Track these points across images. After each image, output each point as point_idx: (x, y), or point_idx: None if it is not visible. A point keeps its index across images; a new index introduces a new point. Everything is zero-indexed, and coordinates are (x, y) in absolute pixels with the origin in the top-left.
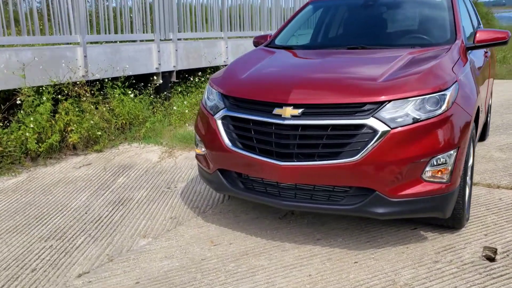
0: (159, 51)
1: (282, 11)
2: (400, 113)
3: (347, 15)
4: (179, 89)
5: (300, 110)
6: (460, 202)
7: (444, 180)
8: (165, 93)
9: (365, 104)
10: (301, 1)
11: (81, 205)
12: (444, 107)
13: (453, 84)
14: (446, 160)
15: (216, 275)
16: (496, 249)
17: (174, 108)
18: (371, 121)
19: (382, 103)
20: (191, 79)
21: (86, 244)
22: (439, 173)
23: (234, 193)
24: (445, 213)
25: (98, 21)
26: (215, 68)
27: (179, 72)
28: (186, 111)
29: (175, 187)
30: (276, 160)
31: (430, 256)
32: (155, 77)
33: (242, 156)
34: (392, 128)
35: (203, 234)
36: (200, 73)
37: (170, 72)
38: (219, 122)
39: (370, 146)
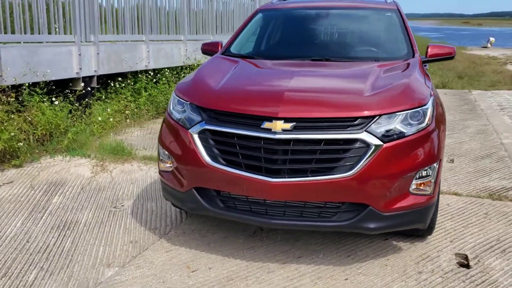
0: (80, 54)
1: (213, 15)
2: (390, 127)
3: (301, 26)
4: (100, 96)
5: (291, 124)
6: (434, 211)
7: (428, 192)
8: (87, 100)
9: (357, 118)
10: (239, 6)
11: (17, 232)
12: (426, 120)
13: (430, 98)
14: (429, 173)
15: None
16: (466, 255)
17: (99, 118)
18: (365, 135)
19: (373, 117)
20: (112, 84)
21: (41, 279)
22: (423, 185)
23: (213, 213)
24: (426, 224)
25: (13, 19)
26: (135, 74)
27: (98, 78)
28: (111, 119)
29: (122, 205)
30: (266, 177)
31: (412, 267)
32: (75, 83)
33: (224, 172)
34: (384, 143)
35: (175, 259)
36: (120, 78)
37: (91, 77)
38: (196, 137)
39: (364, 160)
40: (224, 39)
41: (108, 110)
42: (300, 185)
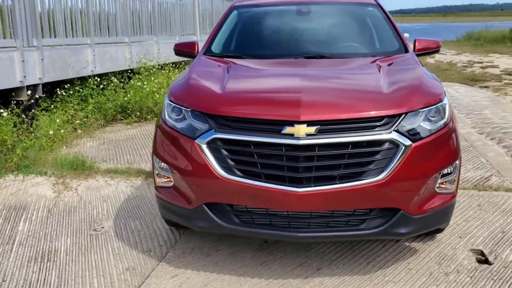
0: (23, 61)
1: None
2: (415, 125)
3: (284, 22)
4: (46, 106)
5: (315, 128)
6: None
7: (452, 191)
8: (33, 111)
9: (384, 117)
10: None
11: None
12: (447, 116)
13: (445, 93)
14: (451, 170)
15: None
16: (481, 250)
17: (50, 132)
18: (395, 135)
19: (400, 116)
20: (58, 92)
21: None
22: (447, 184)
23: (229, 230)
24: (448, 223)
25: None
26: (82, 80)
27: (43, 86)
28: (62, 131)
29: (102, 227)
30: (291, 187)
31: (436, 269)
32: (19, 92)
33: (241, 185)
34: (413, 142)
35: (186, 285)
36: (67, 85)
37: (36, 86)
38: (205, 147)
39: (394, 162)
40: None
41: (58, 121)
42: (329, 193)
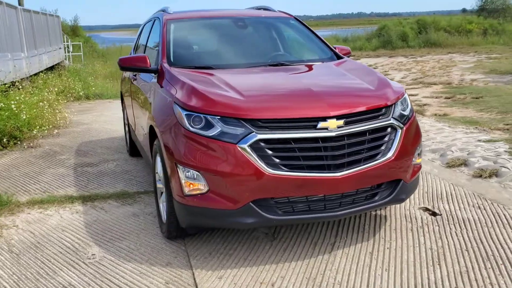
0: None
1: None
2: (399, 113)
3: (229, 35)
4: None
5: (342, 121)
6: None
7: (420, 163)
8: None
9: (383, 108)
10: None
11: None
12: (409, 105)
13: None
14: (420, 147)
15: None
16: (426, 207)
17: None
18: (393, 121)
19: (391, 106)
20: None
21: None
22: (418, 157)
23: (275, 222)
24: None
25: None
26: None
27: None
28: None
29: (93, 255)
30: (332, 173)
31: (409, 225)
32: None
33: (287, 178)
34: (404, 125)
35: (240, 281)
36: None
37: None
38: (249, 149)
39: (396, 143)
40: None
41: None
42: (358, 174)
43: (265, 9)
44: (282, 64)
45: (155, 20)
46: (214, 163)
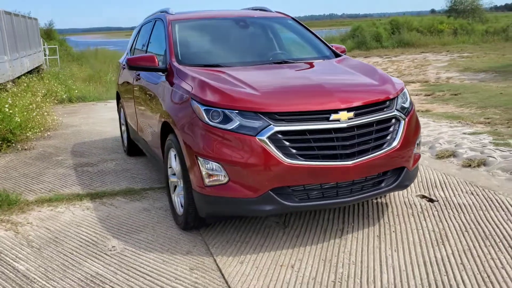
0: None
1: None
2: (400, 105)
3: (233, 34)
4: None
5: (352, 113)
6: None
7: (419, 152)
8: None
9: (387, 101)
10: None
11: None
12: (408, 99)
13: None
14: (419, 138)
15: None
16: (423, 194)
17: None
18: (396, 113)
19: (394, 99)
20: None
21: None
22: (418, 147)
23: (292, 209)
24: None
25: None
26: None
27: None
28: None
29: (113, 247)
30: (344, 161)
31: (410, 211)
32: None
33: (304, 167)
34: (406, 116)
35: (261, 264)
36: None
37: None
38: (268, 140)
39: (400, 133)
40: None
41: None
42: (367, 162)
43: (262, 9)
44: (285, 62)
45: (156, 21)
46: (234, 154)
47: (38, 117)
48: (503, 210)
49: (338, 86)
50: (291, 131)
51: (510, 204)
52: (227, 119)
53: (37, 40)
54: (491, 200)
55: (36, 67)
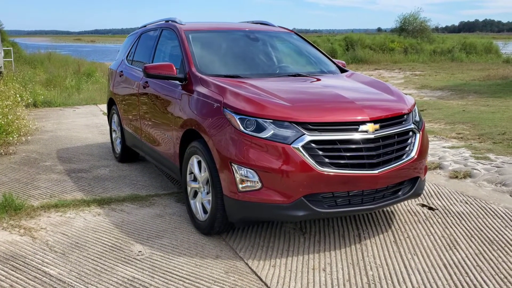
0: None
1: None
2: (414, 120)
3: (246, 47)
4: None
5: (378, 125)
6: None
7: (426, 164)
8: None
9: (405, 114)
10: None
11: None
12: (418, 114)
13: None
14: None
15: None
16: (423, 203)
17: None
18: (413, 126)
19: (411, 113)
20: None
21: None
22: (426, 159)
23: (323, 215)
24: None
25: None
26: None
27: None
28: None
29: (140, 251)
30: (371, 170)
31: (416, 218)
32: None
33: (336, 175)
34: (420, 129)
35: (293, 267)
36: None
37: None
38: (302, 149)
39: (417, 144)
40: None
41: None
42: (390, 172)
43: (263, 23)
44: (299, 75)
45: (162, 30)
46: (268, 161)
47: (17, 121)
48: (499, 218)
49: (364, 100)
50: (323, 140)
51: (503, 212)
52: (260, 128)
53: None
54: (485, 209)
55: None
